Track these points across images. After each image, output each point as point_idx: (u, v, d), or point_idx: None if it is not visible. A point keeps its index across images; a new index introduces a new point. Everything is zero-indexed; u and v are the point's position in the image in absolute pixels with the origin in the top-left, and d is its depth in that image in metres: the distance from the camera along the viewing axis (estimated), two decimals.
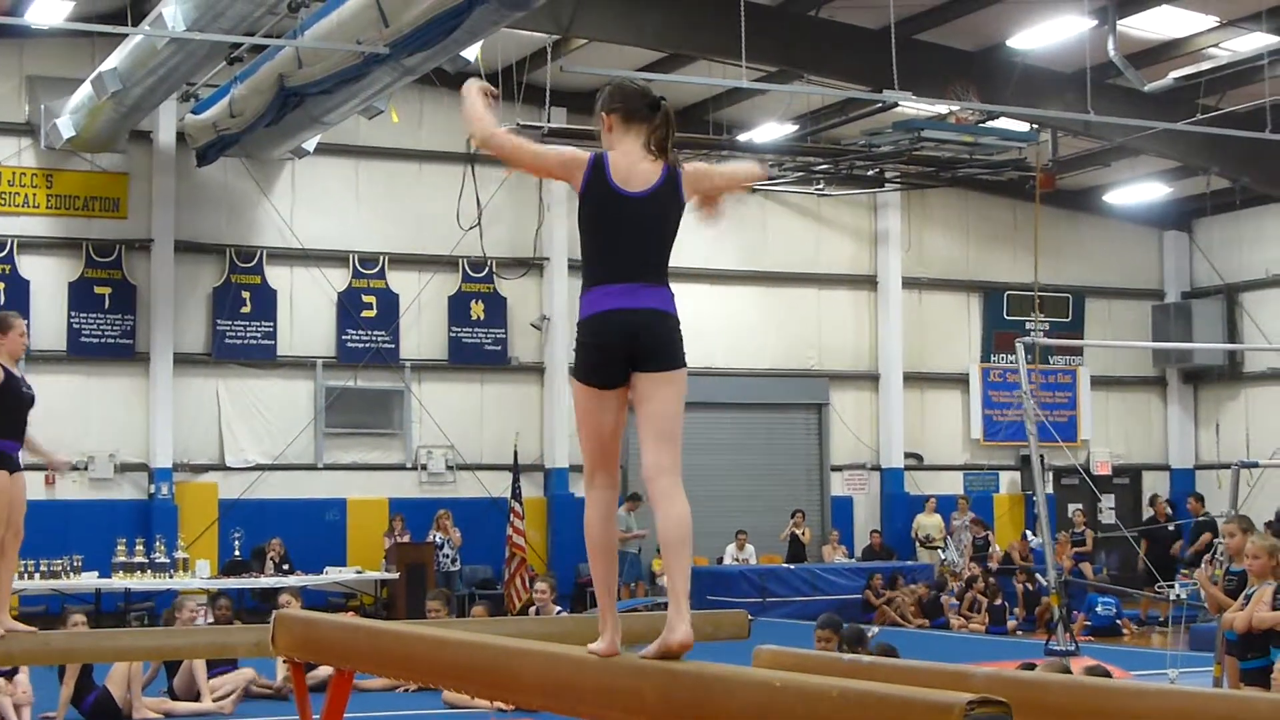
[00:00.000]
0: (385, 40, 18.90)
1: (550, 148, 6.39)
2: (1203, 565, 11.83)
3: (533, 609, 16.49)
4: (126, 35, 21.57)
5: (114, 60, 22.43)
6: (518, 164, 6.36)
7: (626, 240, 6.18)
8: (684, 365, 6.18)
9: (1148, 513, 31.90)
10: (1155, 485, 33.35)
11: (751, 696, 4.76)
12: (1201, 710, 6.34)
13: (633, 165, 6.20)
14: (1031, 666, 10.37)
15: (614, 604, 6.21)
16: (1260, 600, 10.58)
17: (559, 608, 16.45)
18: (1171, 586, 14.81)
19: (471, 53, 21.87)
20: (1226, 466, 31.73)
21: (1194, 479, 33.24)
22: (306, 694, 8.29)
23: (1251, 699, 6.71)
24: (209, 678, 14.88)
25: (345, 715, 7.62)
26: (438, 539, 26.48)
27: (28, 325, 10.85)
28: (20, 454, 10.17)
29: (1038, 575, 12.99)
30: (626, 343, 6.06)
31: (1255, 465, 14.16)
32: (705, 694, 5.06)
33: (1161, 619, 22.18)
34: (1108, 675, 9.29)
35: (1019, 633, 24.06)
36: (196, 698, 14.61)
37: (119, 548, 23.39)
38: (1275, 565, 10.74)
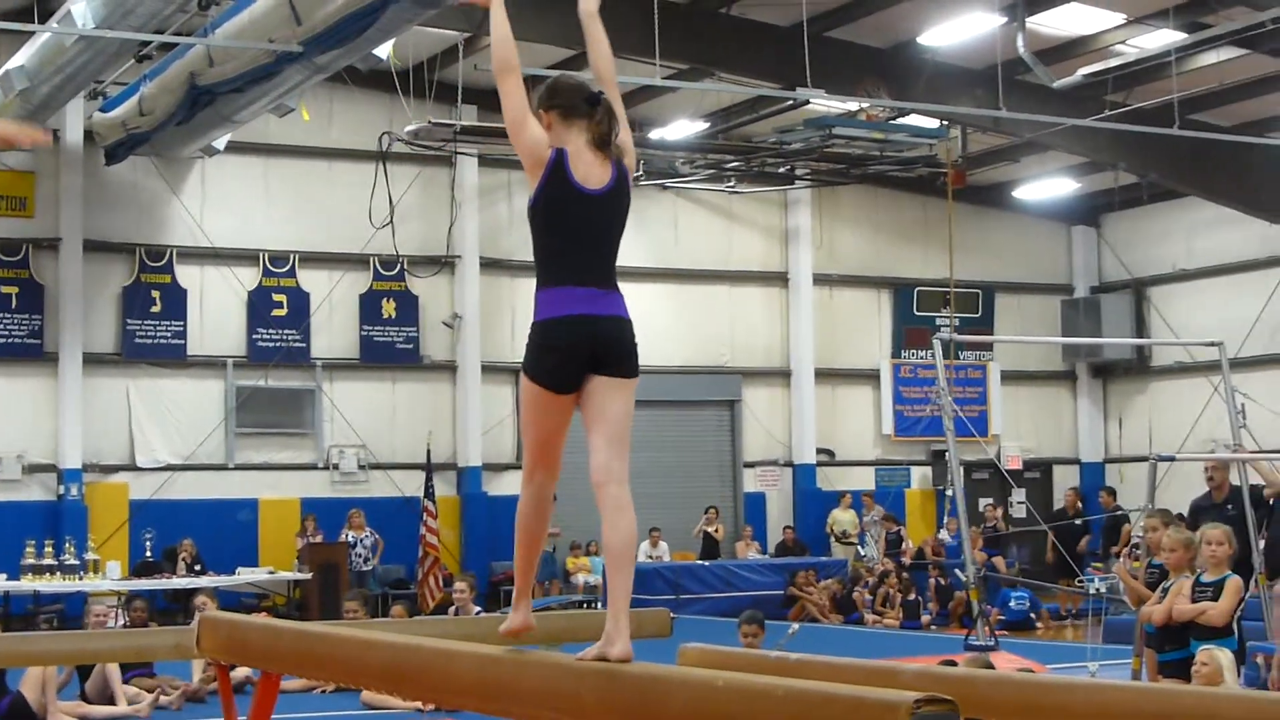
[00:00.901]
0: (298, 39, 18.82)
1: (534, 121, 6.19)
2: (1121, 559, 11.90)
3: (452, 609, 16.46)
4: (33, 31, 21.37)
5: (20, 58, 22.23)
6: (506, 91, 6.21)
7: (588, 241, 6.12)
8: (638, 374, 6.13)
9: (1060, 506, 32.21)
10: (1066, 479, 33.61)
11: (693, 696, 4.76)
12: (1131, 704, 6.41)
13: (588, 165, 6.15)
14: (953, 663, 10.42)
15: (529, 583, 6.23)
16: (1179, 593, 10.70)
17: (478, 608, 16.42)
18: (1092, 580, 14.90)
19: (383, 50, 21.80)
20: (1135, 460, 32.29)
21: (1104, 472, 33.55)
22: (232, 696, 8.23)
23: (1177, 691, 6.80)
24: (123, 681, 14.76)
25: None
26: (351, 538, 26.40)
27: None
28: None
29: (958, 571, 13.10)
30: (590, 348, 6.01)
31: (1173, 459, 14.31)
32: (644, 695, 5.05)
33: (1075, 611, 22.40)
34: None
35: (933, 627, 24.21)
36: (110, 701, 14.50)
37: (27, 550, 23.24)
38: (1192, 558, 10.86)
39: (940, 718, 3.99)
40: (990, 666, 10.14)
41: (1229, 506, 14.73)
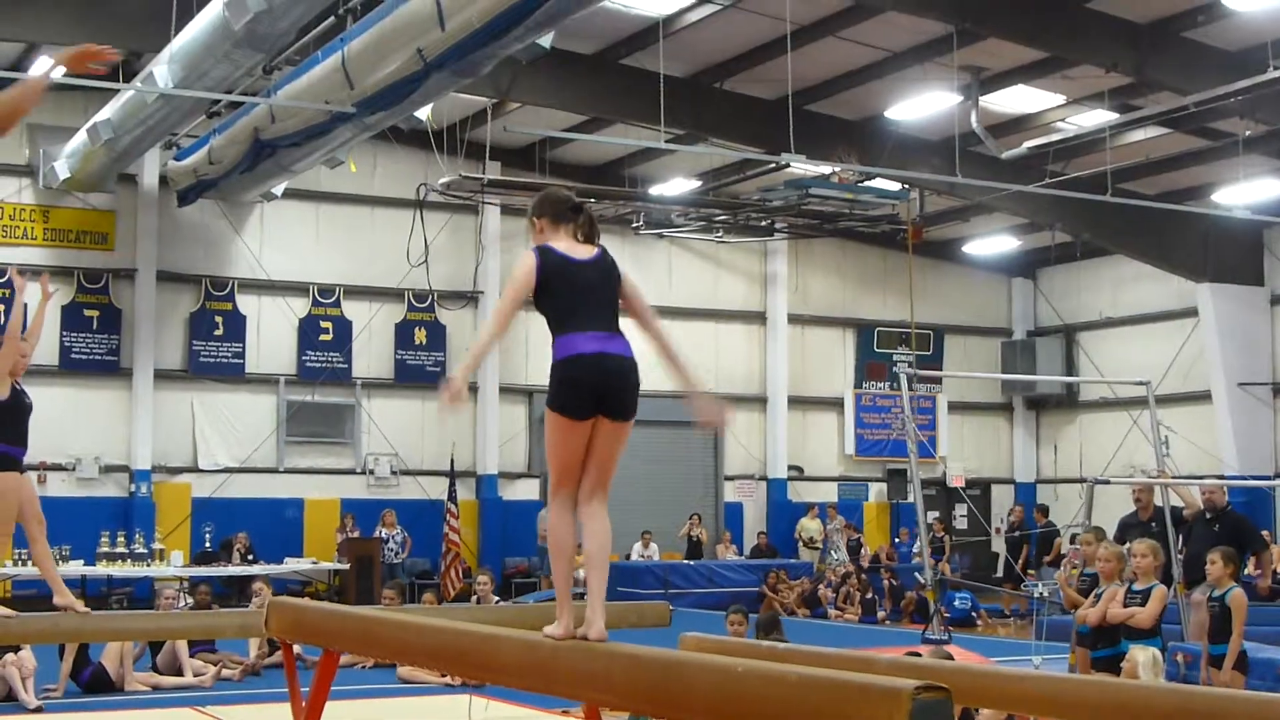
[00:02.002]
0: (350, 101, 18.80)
1: (510, 294, 6.26)
2: (1062, 568, 11.90)
3: (474, 598, 16.42)
4: (119, 90, 21.38)
5: (107, 112, 22.26)
6: (505, 319, 6.29)
7: (589, 295, 6.19)
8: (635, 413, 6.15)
9: (996, 520, 32.24)
10: (1002, 497, 33.65)
11: (716, 680, 4.76)
12: (1074, 692, 6.43)
13: (571, 246, 6.28)
14: (916, 654, 10.43)
15: (570, 595, 6.22)
16: (1112, 598, 10.70)
17: (496, 597, 16.40)
18: (1035, 586, 14.91)
19: (423, 113, 21.84)
20: (1064, 481, 32.33)
21: (1035, 491, 33.56)
22: (295, 669, 8.21)
23: (1114, 683, 6.82)
24: (189, 656, 14.72)
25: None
26: (384, 535, 26.42)
27: None
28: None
29: (917, 575, 13.05)
30: (604, 380, 6.06)
31: (1107, 483, 14.32)
32: (668, 677, 5.05)
33: (1021, 612, 22.35)
34: None
35: (887, 622, 24.21)
36: (179, 673, 14.47)
37: (102, 539, 23.23)
38: (1123, 569, 10.87)
39: (937, 703, 3.98)
40: (949, 658, 10.14)
41: (1153, 524, 14.71)
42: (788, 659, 8.14)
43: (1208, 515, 14.23)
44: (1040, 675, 6.83)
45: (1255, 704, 5.68)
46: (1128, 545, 11.38)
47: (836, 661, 7.74)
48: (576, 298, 6.18)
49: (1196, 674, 11.84)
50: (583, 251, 6.27)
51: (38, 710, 13.09)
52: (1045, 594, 12.63)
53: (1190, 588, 13.75)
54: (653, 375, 24.85)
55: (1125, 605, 10.60)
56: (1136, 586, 10.67)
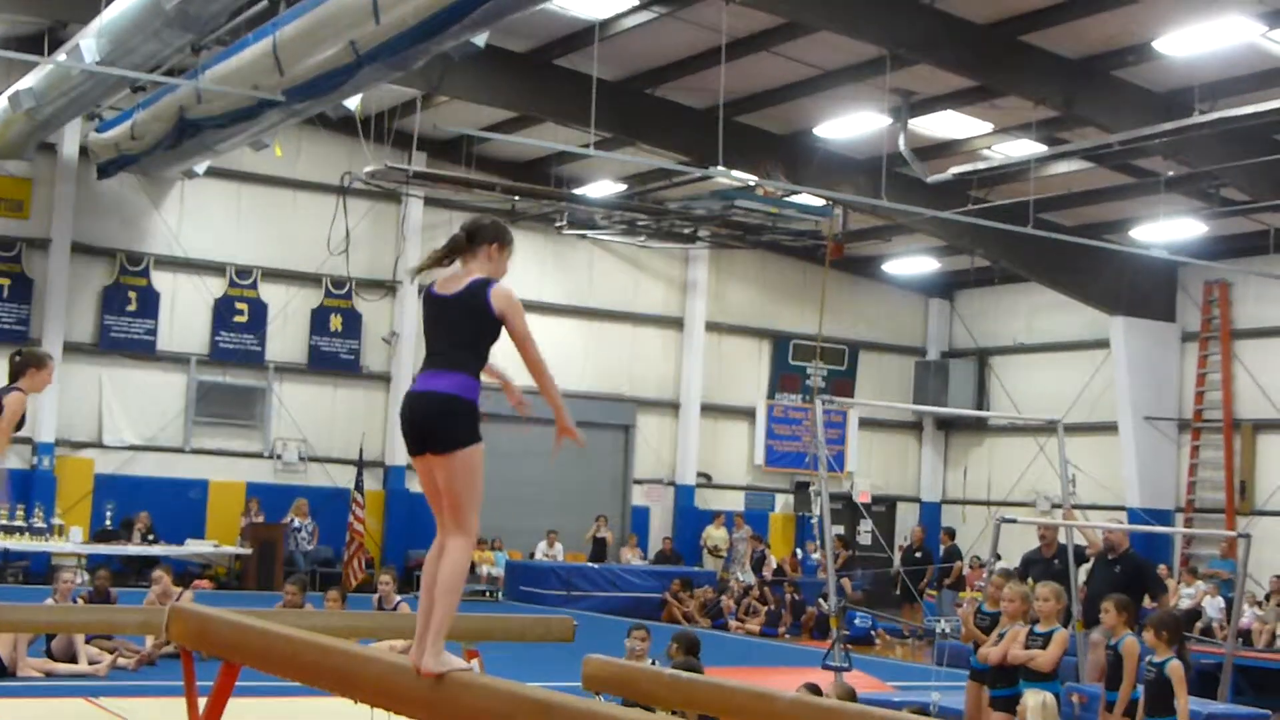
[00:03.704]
0: (279, 88, 18.60)
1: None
2: (964, 603, 11.97)
3: (376, 596, 16.29)
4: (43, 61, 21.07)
5: (30, 80, 21.92)
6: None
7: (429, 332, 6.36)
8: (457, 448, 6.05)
9: (900, 536, 32.41)
10: (907, 514, 33.86)
11: None
12: None
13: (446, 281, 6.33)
14: (816, 688, 10.43)
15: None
16: (1014, 639, 10.75)
17: (399, 597, 16.29)
18: (937, 620, 14.99)
19: (351, 101, 21.65)
20: (972, 503, 32.60)
21: (940, 511, 33.81)
22: (194, 679, 8.10)
23: None
24: (85, 642, 14.51)
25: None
26: (295, 523, 26.35)
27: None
28: None
29: (821, 601, 13.03)
30: (407, 417, 6.22)
31: (1014, 522, 14.38)
32: None
33: (920, 633, 22.43)
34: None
35: (787, 637, 24.24)
36: (73, 659, 14.26)
37: (0, 511, 22.87)
38: (1027, 610, 10.91)
39: None
40: (851, 691, 10.16)
41: (1056, 561, 14.80)
42: (688, 690, 8.13)
43: (1109, 556, 14.34)
44: None
45: None
46: (1035, 588, 11.39)
47: (738, 697, 7.70)
48: (427, 334, 6.30)
49: (1093, 716, 11.92)
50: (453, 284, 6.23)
51: None
52: (947, 630, 12.67)
53: (1089, 627, 13.85)
54: (568, 375, 24.91)
55: (1027, 647, 10.65)
56: (1039, 629, 10.72)
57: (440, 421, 6.04)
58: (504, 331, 6.17)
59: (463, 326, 6.17)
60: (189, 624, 7.73)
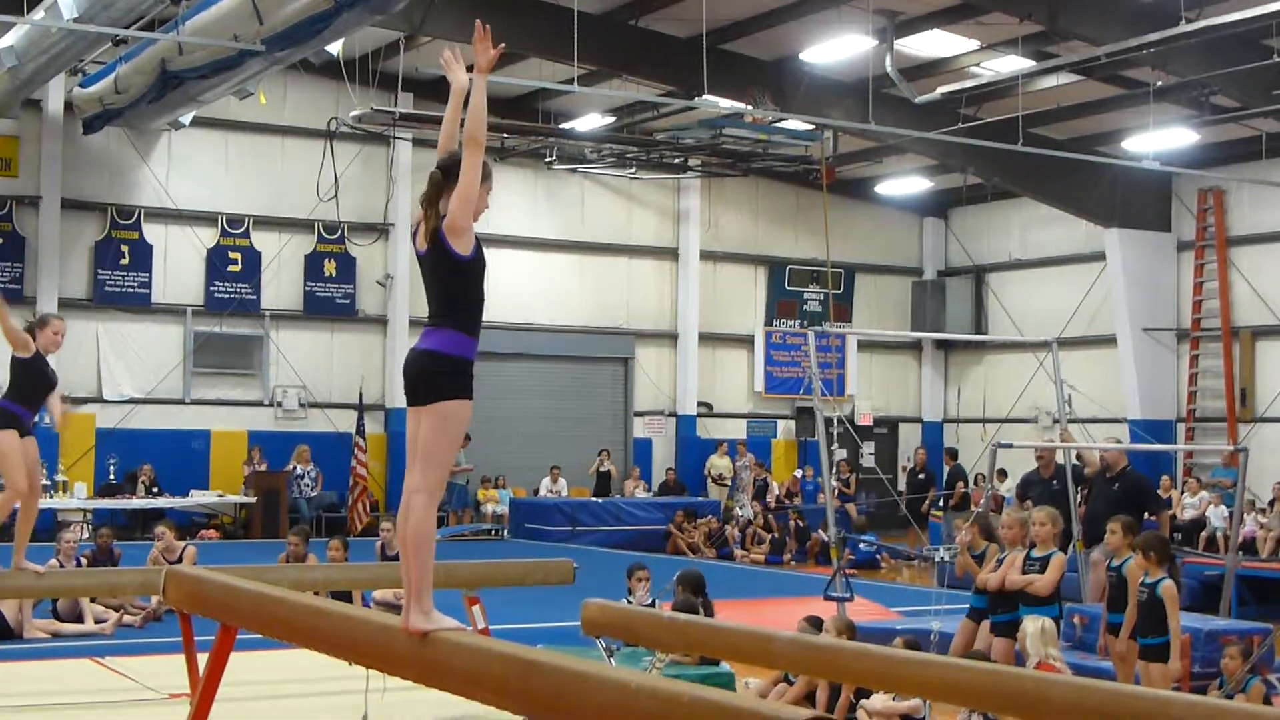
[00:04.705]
0: (259, 37, 18.48)
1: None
2: (964, 531, 11.94)
3: (378, 543, 16.32)
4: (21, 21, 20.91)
5: (10, 39, 21.77)
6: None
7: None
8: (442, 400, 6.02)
9: (903, 458, 32.44)
10: (909, 435, 33.89)
11: (610, 696, 4.71)
12: (971, 681, 6.46)
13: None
14: (819, 620, 10.46)
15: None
16: (1012, 564, 10.75)
17: None
18: (937, 549, 14.99)
19: (334, 46, 21.54)
20: (970, 421, 32.62)
21: (942, 431, 33.83)
22: (193, 641, 8.12)
23: (1016, 674, 6.83)
24: (90, 601, 14.54)
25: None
26: (298, 470, 26.42)
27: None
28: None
29: (825, 527, 12.96)
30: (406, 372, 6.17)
31: (1010, 446, 14.37)
32: (561, 690, 5.00)
33: (925, 554, 22.33)
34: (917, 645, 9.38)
35: (793, 564, 24.32)
36: (79, 619, 14.30)
37: None
38: (1024, 535, 10.91)
39: None
40: (853, 628, 10.17)
41: (1054, 482, 14.83)
42: (685, 632, 8.16)
43: (1107, 475, 14.34)
44: (939, 661, 6.84)
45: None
46: (1030, 513, 11.38)
47: (734, 639, 7.73)
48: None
49: (1093, 637, 11.96)
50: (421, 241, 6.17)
51: None
52: (946, 558, 12.66)
53: (1089, 546, 13.87)
54: (564, 311, 25.06)
55: (1024, 572, 10.65)
56: (1036, 554, 10.71)
57: (427, 378, 6.01)
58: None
59: (442, 282, 6.12)
60: (184, 587, 7.74)
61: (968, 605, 11.59)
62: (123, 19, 19.33)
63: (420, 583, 5.88)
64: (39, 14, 19.83)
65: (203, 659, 7.55)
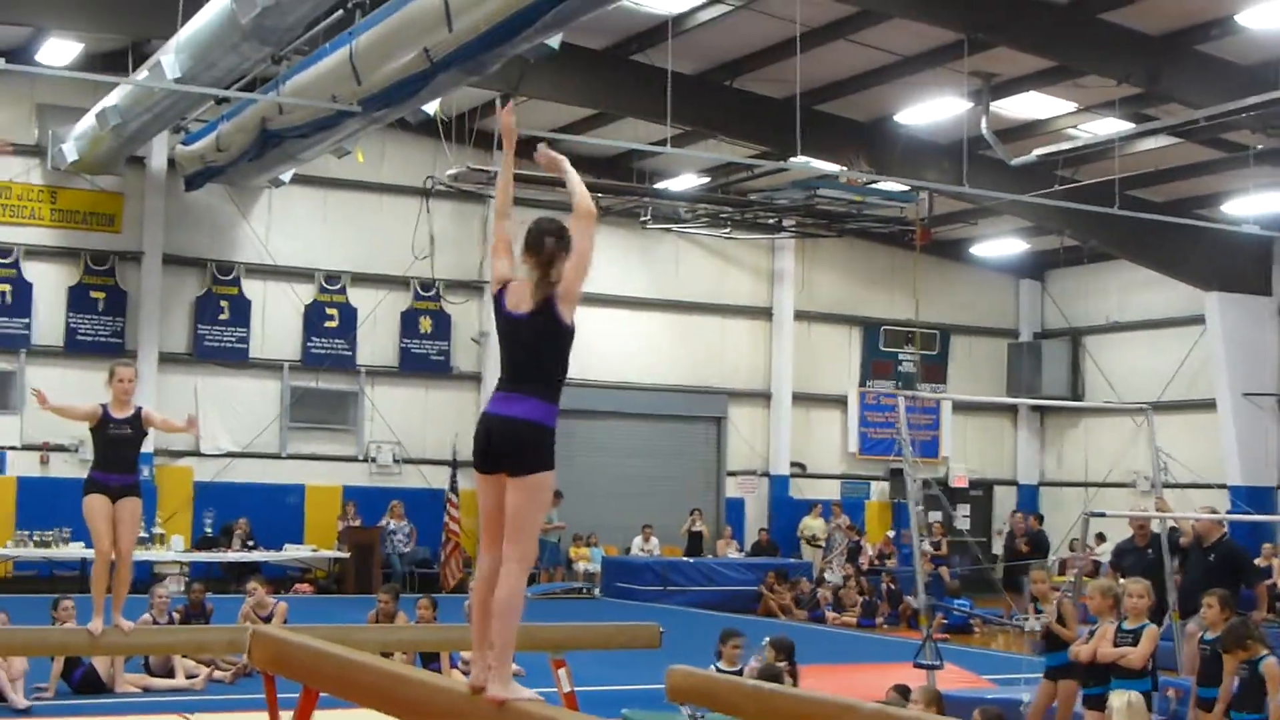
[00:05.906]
0: (357, 96, 18.66)
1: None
2: (1054, 602, 11.77)
3: (468, 602, 16.27)
4: (127, 81, 21.28)
5: (115, 97, 22.18)
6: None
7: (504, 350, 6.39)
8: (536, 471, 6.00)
9: (999, 520, 32.09)
10: (1004, 498, 33.55)
11: None
12: None
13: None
14: (905, 690, 10.33)
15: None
16: (1103, 637, 10.58)
17: None
18: (1026, 619, 14.79)
19: (431, 106, 21.69)
20: (1068, 485, 32.25)
21: (1038, 494, 33.49)
22: (276, 701, 8.14)
23: None
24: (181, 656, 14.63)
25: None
26: (391, 525, 26.53)
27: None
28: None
29: (921, 594, 12.77)
30: (483, 437, 6.14)
31: (1103, 515, 14.20)
32: None
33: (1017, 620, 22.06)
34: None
35: (885, 627, 24.05)
36: (170, 674, 14.39)
37: None
38: (1114, 605, 10.73)
39: None
40: (939, 699, 10.04)
41: (1149, 551, 14.62)
42: (769, 702, 8.06)
43: (1203, 545, 14.10)
44: None
45: None
46: (1124, 584, 11.20)
47: (815, 708, 7.62)
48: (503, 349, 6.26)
49: (1186, 709, 11.73)
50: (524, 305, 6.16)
51: (26, 712, 13.03)
52: (1036, 627, 12.47)
53: (1185, 617, 13.63)
54: (658, 370, 25.12)
55: (1116, 644, 10.47)
56: (1128, 625, 10.54)
57: (521, 448, 5.99)
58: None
59: (543, 349, 6.13)
60: (269, 649, 7.77)
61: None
62: (224, 79, 19.61)
63: (503, 650, 5.89)
64: (143, 74, 20.17)
65: (286, 717, 7.57)
